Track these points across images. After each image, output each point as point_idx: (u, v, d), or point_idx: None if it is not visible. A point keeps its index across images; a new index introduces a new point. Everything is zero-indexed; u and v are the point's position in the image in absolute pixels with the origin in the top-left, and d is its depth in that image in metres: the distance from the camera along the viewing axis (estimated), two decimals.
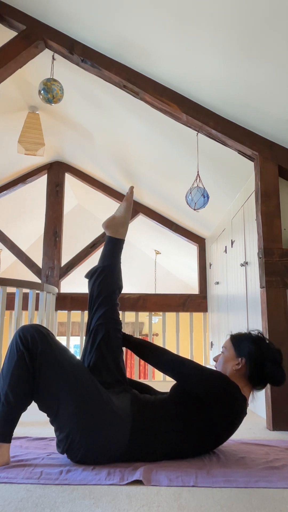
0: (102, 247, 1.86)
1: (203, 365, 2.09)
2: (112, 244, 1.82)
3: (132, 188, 1.94)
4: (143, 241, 6.74)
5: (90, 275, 1.77)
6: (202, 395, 1.55)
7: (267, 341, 1.67)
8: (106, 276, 1.74)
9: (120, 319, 1.75)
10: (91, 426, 1.44)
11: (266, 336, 2.30)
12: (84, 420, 1.44)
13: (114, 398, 1.52)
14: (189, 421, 1.53)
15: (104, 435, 1.45)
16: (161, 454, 1.53)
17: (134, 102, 2.80)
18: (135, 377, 4.36)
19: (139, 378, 7.64)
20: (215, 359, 1.75)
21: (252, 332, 1.71)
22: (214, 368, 1.75)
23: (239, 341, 1.69)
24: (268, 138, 2.52)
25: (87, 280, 1.80)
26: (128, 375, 1.80)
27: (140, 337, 3.79)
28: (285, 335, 2.31)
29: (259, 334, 1.70)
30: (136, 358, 3.82)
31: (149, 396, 1.62)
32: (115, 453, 1.48)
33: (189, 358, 4.11)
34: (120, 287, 1.77)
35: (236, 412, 1.56)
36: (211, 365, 4.33)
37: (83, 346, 4.30)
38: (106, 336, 1.65)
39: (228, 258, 3.55)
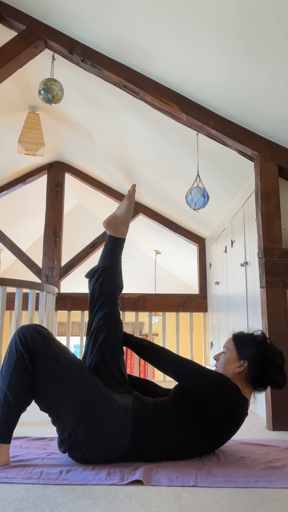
0: (102, 247, 1.83)
1: (203, 365, 2.08)
2: (113, 244, 1.80)
3: (134, 186, 1.91)
4: (143, 241, 6.74)
5: (91, 275, 1.76)
6: (203, 396, 1.54)
7: (270, 343, 1.65)
8: (107, 276, 1.73)
9: (121, 319, 1.74)
10: (94, 424, 1.44)
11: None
12: (86, 418, 1.44)
13: (116, 397, 1.52)
14: (190, 421, 1.53)
15: (107, 433, 1.45)
16: (162, 453, 1.53)
17: (134, 102, 2.80)
18: None
19: None
20: (216, 358, 1.74)
21: (255, 333, 1.69)
22: (215, 367, 1.75)
23: (242, 343, 1.67)
24: (268, 138, 2.52)
25: (87, 279, 1.79)
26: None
27: (140, 337, 3.78)
28: (285, 335, 2.31)
29: (262, 334, 1.68)
30: (136, 358, 3.82)
31: (151, 398, 1.62)
32: (117, 451, 1.48)
33: (189, 358, 4.11)
34: (121, 287, 1.76)
35: (237, 413, 1.56)
36: (211, 365, 4.33)
37: (83, 347, 4.30)
38: (107, 337, 1.65)
39: (228, 258, 3.55)
